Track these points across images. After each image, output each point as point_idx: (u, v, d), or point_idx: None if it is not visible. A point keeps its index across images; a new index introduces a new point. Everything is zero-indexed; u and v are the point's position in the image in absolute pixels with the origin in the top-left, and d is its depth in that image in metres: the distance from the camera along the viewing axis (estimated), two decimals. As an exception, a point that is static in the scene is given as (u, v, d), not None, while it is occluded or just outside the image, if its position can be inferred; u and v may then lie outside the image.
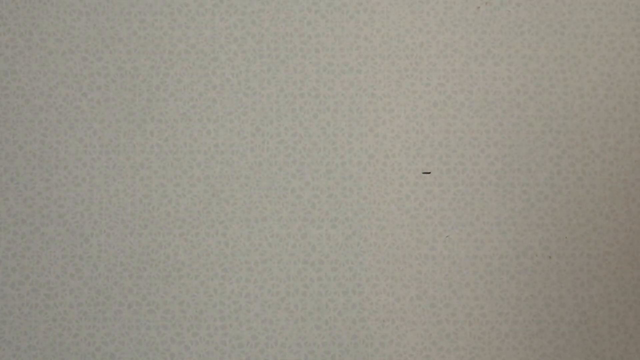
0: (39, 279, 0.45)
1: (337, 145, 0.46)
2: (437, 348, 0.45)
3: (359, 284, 0.46)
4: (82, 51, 0.46)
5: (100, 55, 0.46)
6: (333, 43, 0.46)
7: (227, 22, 0.46)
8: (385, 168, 0.46)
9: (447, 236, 0.46)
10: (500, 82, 0.46)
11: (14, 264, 0.45)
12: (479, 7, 0.46)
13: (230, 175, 0.46)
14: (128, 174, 0.46)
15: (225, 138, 0.46)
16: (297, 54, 0.46)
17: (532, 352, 0.45)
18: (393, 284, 0.46)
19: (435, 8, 0.46)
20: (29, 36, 0.46)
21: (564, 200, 0.46)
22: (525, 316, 0.46)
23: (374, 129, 0.46)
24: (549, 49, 0.46)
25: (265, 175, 0.45)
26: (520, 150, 0.46)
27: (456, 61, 0.46)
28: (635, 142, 0.46)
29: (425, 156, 0.46)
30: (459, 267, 0.46)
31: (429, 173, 0.46)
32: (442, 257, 0.46)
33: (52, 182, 0.46)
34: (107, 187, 0.46)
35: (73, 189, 0.46)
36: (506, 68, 0.46)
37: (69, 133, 0.46)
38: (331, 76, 0.46)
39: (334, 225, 0.46)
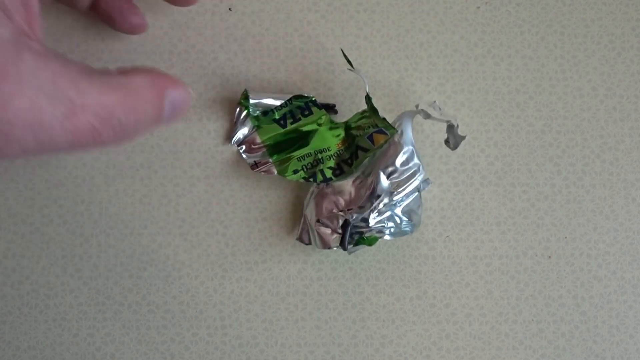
0: (39, 279, 0.45)
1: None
2: (437, 348, 0.45)
3: (359, 284, 0.46)
4: (82, 51, 0.46)
5: (100, 55, 0.46)
6: (333, 43, 0.46)
7: (227, 22, 0.46)
8: (385, 168, 0.46)
9: (447, 236, 0.46)
10: (500, 82, 0.46)
11: (14, 264, 0.45)
12: (479, 7, 0.46)
13: (230, 175, 0.46)
14: (128, 174, 0.46)
15: (225, 138, 0.46)
16: (297, 54, 0.46)
17: (532, 352, 0.45)
18: (393, 284, 0.46)
19: (435, 8, 0.46)
20: (29, 36, 0.46)
21: (564, 200, 0.46)
22: (525, 316, 0.46)
23: (374, 129, 0.46)
24: (549, 49, 0.46)
25: (265, 175, 0.45)
26: (520, 150, 0.46)
27: (456, 61, 0.46)
28: (635, 142, 0.46)
29: (425, 156, 0.46)
30: (459, 267, 0.46)
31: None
32: (442, 257, 0.46)
33: (52, 182, 0.46)
34: (107, 187, 0.46)
35: (73, 189, 0.46)
36: (506, 68, 0.46)
37: (69, 133, 0.46)
38: (331, 76, 0.46)
39: (334, 225, 0.46)
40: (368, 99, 0.42)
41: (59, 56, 0.29)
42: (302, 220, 0.44)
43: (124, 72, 0.31)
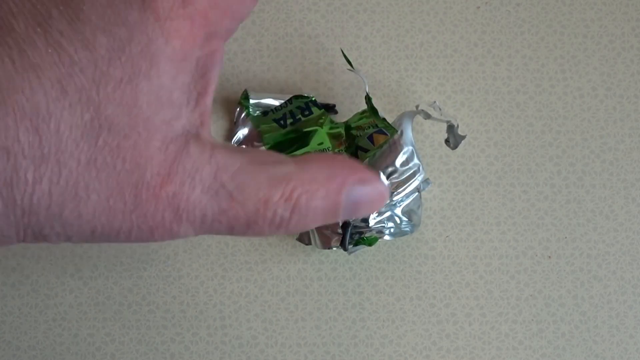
0: (39, 279, 0.45)
1: (337, 145, 0.46)
2: (437, 348, 0.45)
3: (359, 284, 0.46)
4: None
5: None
6: (333, 43, 0.46)
7: (227, 22, 0.46)
8: (385, 168, 0.46)
9: (447, 236, 0.46)
10: (500, 82, 0.46)
11: (14, 264, 0.45)
12: (479, 7, 0.46)
13: (230, 175, 0.46)
14: (128, 174, 0.46)
15: (225, 138, 0.46)
16: (297, 54, 0.46)
17: (532, 352, 0.45)
18: (393, 284, 0.46)
19: (435, 8, 0.46)
20: (29, 36, 0.46)
21: (564, 200, 0.46)
22: (525, 316, 0.46)
23: (374, 129, 0.46)
24: (549, 49, 0.46)
25: (265, 175, 0.45)
26: (520, 150, 0.46)
27: (456, 61, 0.46)
28: (635, 142, 0.46)
29: (425, 156, 0.46)
30: (459, 267, 0.46)
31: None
32: (442, 257, 0.46)
33: (52, 182, 0.45)
34: (107, 187, 0.46)
35: (73, 189, 0.46)
36: (506, 68, 0.46)
37: (69, 133, 0.46)
38: (331, 76, 0.46)
39: (334, 225, 0.46)
40: (368, 99, 0.42)
41: (226, 147, 0.27)
42: None
43: (299, 160, 0.28)
